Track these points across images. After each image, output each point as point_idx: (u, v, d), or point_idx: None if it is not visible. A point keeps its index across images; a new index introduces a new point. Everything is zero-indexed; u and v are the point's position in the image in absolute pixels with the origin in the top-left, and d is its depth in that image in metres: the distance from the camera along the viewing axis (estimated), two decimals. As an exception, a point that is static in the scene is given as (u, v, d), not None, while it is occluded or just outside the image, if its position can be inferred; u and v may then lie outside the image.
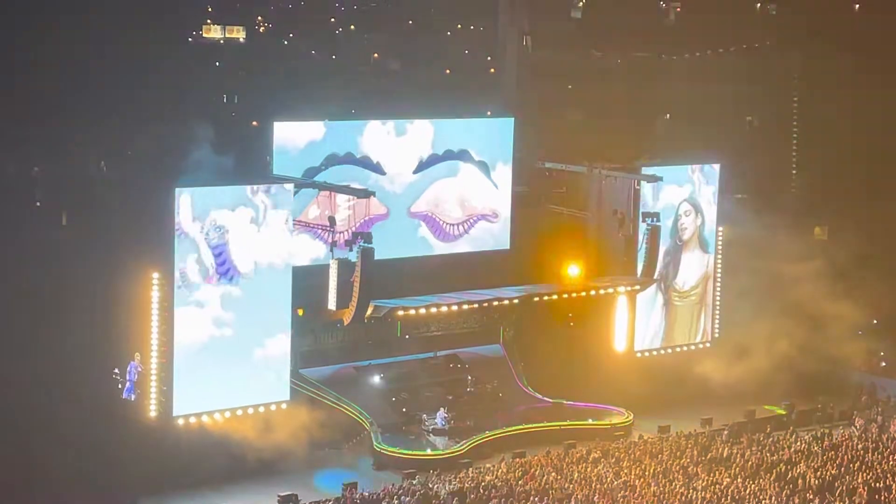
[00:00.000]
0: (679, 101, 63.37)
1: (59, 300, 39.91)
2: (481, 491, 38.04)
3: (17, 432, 38.77)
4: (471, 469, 41.09)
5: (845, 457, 41.04)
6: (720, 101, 61.38)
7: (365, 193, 45.08)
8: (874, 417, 46.94)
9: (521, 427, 45.66)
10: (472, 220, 49.14)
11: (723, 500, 37.45)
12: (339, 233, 43.79)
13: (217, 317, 40.95)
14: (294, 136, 44.87)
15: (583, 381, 48.58)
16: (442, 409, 45.50)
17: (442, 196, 48.25)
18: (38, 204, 41.91)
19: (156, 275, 39.84)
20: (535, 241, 50.37)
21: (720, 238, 52.03)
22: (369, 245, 42.45)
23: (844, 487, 38.26)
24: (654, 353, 50.86)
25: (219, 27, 71.74)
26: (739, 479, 39.00)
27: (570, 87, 64.90)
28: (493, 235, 49.85)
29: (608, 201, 50.20)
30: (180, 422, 40.42)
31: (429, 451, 43.54)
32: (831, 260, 50.58)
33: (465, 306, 45.53)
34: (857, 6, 61.98)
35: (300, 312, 43.00)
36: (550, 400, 48.11)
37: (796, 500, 37.70)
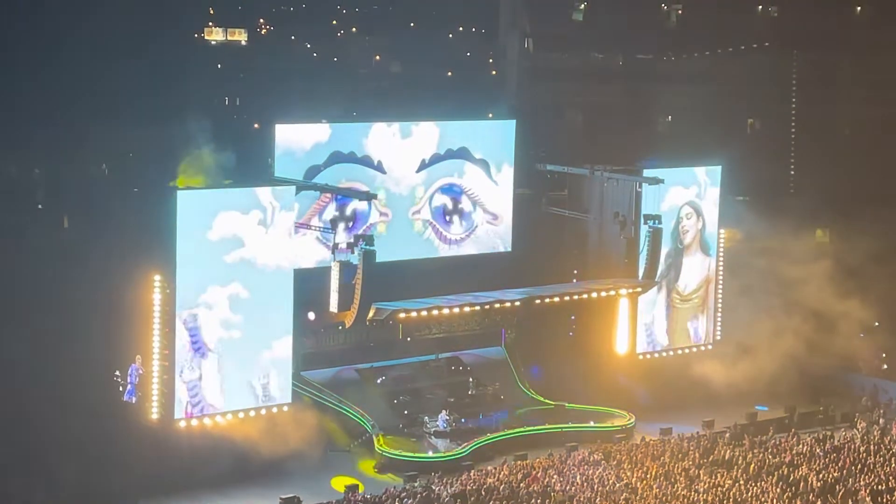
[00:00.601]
0: (680, 103, 63.37)
1: (60, 303, 39.89)
2: (483, 493, 38.01)
3: (18, 435, 38.75)
4: (472, 471, 41.07)
5: (847, 459, 41.00)
6: (721, 103, 61.37)
7: (367, 196, 45.10)
8: (876, 420, 46.91)
9: (523, 430, 45.62)
10: (471, 229, 49.26)
11: (725, 502, 37.42)
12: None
13: (220, 319, 40.94)
14: (299, 139, 44.90)
15: (584, 383, 48.57)
16: (444, 411, 45.49)
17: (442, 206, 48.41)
18: (39, 206, 41.91)
19: (157, 277, 39.84)
20: (537, 244, 50.39)
21: (721, 240, 52.01)
22: (371, 247, 42.46)
23: (846, 490, 38.21)
24: (656, 355, 50.84)
25: (220, 29, 71.73)
26: (741, 482, 38.95)
27: (571, 88, 64.89)
28: (495, 238, 49.84)
29: (610, 203, 50.20)
30: (182, 424, 40.40)
31: (430, 454, 43.52)
32: (833, 262, 50.56)
33: (467, 308, 45.50)
34: (859, 9, 61.96)
35: (311, 316, 42.95)
36: (552, 402, 48.09)
37: (798, 503, 37.65)
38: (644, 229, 48.87)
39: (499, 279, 47.73)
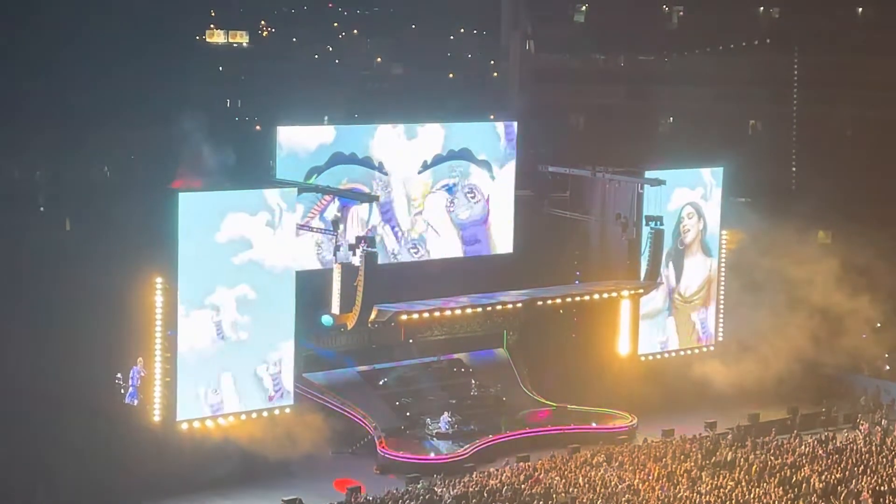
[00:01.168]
0: (682, 105, 63.37)
1: (62, 305, 39.89)
2: (485, 495, 38.00)
3: (20, 437, 38.75)
4: (475, 473, 41.05)
5: (850, 461, 40.97)
6: (723, 104, 61.37)
7: (370, 198, 45.10)
8: (878, 421, 46.88)
9: (524, 431, 45.59)
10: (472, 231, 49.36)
11: (727, 503, 37.42)
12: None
13: (228, 321, 41.03)
14: (301, 140, 44.93)
15: (586, 384, 48.55)
16: (446, 413, 45.47)
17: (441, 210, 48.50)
18: (41, 209, 41.95)
19: (159, 279, 39.83)
20: (539, 245, 50.35)
21: (724, 241, 51.99)
22: (372, 249, 42.47)
23: (848, 491, 38.19)
24: (658, 356, 50.82)
25: (222, 32, 71.79)
26: (744, 483, 38.93)
27: (572, 90, 64.92)
28: (497, 239, 49.84)
29: (611, 205, 50.18)
30: (184, 426, 40.41)
31: (433, 455, 43.52)
32: (835, 264, 50.52)
33: (469, 310, 45.48)
34: (860, 10, 61.93)
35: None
36: (554, 404, 48.09)
37: (800, 504, 37.71)
38: (646, 230, 48.85)
39: (501, 281, 47.71)
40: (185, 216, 39.80)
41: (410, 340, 47.47)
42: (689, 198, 50.96)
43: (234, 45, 74.03)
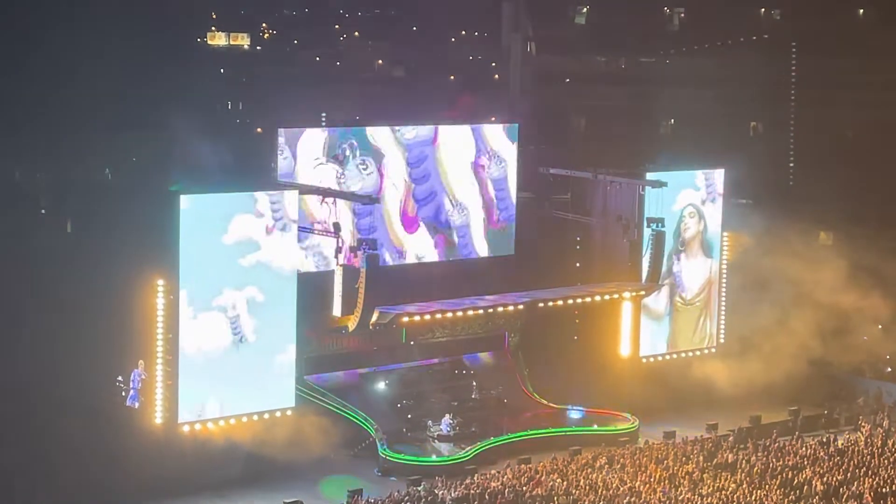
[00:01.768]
0: (683, 107, 63.37)
1: (63, 307, 39.89)
2: (487, 497, 38.00)
3: (21, 438, 38.76)
4: (476, 475, 41.04)
5: (851, 463, 40.94)
6: (724, 106, 61.38)
7: (370, 200, 45.10)
8: (880, 422, 46.86)
9: (526, 433, 45.59)
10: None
11: (728, 505, 37.45)
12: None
13: (230, 323, 41.05)
14: (302, 142, 44.97)
15: (588, 386, 48.54)
16: (447, 415, 45.46)
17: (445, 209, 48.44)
18: (42, 211, 41.93)
19: (160, 282, 39.84)
20: (540, 247, 50.34)
21: (725, 243, 51.97)
22: (374, 251, 42.46)
23: (850, 493, 38.17)
24: (660, 358, 50.81)
25: (223, 34, 71.79)
26: (745, 485, 38.91)
27: (574, 92, 64.92)
28: (498, 241, 49.84)
29: (613, 207, 50.18)
30: (185, 428, 40.40)
31: (434, 458, 43.50)
32: (836, 265, 50.51)
33: (470, 312, 45.50)
34: (861, 11, 61.97)
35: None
36: (556, 406, 48.07)
37: (802, 506, 37.69)
38: (647, 232, 48.86)
39: (502, 283, 47.71)
40: (191, 218, 39.83)
41: (412, 342, 47.46)
42: (691, 199, 50.94)
43: (236, 47, 74.08)
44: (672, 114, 64.88)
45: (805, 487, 38.69)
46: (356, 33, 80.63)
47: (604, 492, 38.15)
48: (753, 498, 37.89)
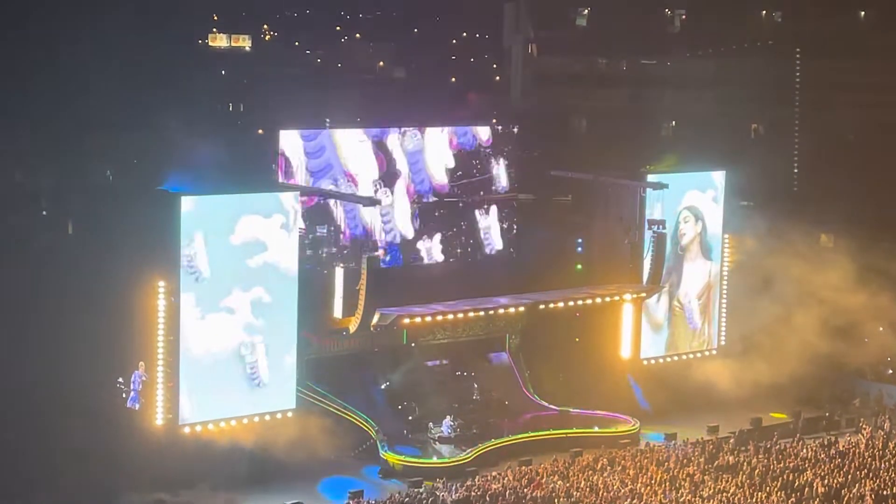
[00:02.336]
0: (685, 108, 63.29)
1: (64, 308, 39.90)
2: (487, 499, 38.00)
3: (21, 440, 38.77)
4: (477, 477, 41.04)
5: (852, 465, 40.94)
6: (725, 107, 61.30)
7: (371, 201, 45.13)
8: (881, 425, 46.86)
9: (527, 435, 45.60)
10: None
11: (729, 507, 37.45)
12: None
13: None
14: (303, 143, 45.00)
15: (589, 388, 48.54)
16: (448, 417, 45.47)
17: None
18: (44, 212, 41.96)
19: (161, 283, 39.85)
20: (541, 249, 50.34)
21: (726, 245, 51.96)
22: (375, 253, 42.44)
23: (851, 495, 38.17)
24: (660, 360, 50.81)
25: (225, 36, 71.77)
26: (746, 487, 38.91)
27: (575, 93, 64.82)
28: (499, 243, 49.88)
29: (614, 208, 50.18)
30: (186, 430, 40.41)
31: (435, 459, 43.51)
32: (837, 268, 50.49)
33: (471, 314, 45.52)
34: (863, 13, 61.94)
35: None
36: (557, 408, 48.08)
37: (803, 508, 37.67)
38: (648, 234, 48.87)
39: (503, 284, 47.72)
40: (194, 219, 39.86)
41: (413, 344, 47.47)
42: (688, 202, 50.93)
43: (237, 49, 74.07)
44: (673, 115, 64.79)
45: (806, 489, 38.67)
46: (357, 35, 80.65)
47: (605, 494, 38.14)
48: (754, 500, 37.87)
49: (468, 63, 74.92)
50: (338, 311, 43.44)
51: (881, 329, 52.10)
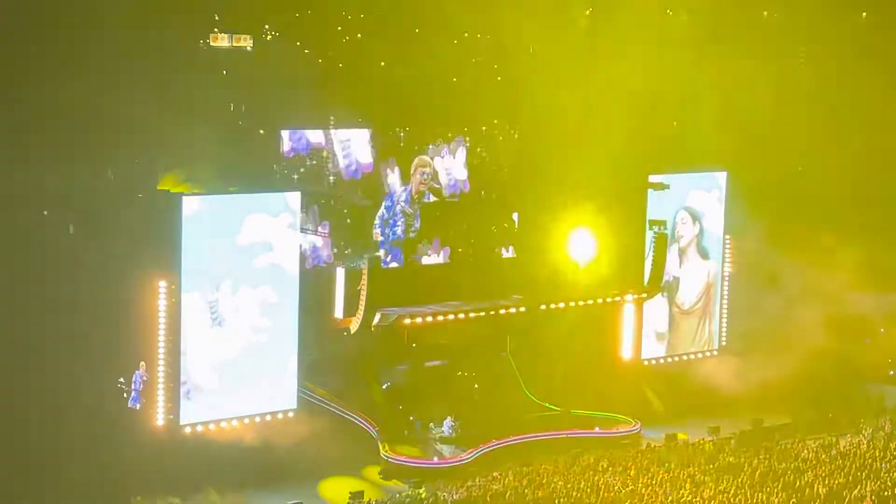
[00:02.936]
0: (686, 109, 63.26)
1: (65, 309, 39.92)
2: (488, 500, 38.03)
3: (22, 441, 38.79)
4: (478, 478, 41.06)
5: (853, 466, 40.96)
6: (727, 108, 61.29)
7: (371, 202, 45.16)
8: (882, 426, 46.87)
9: (528, 435, 45.62)
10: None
11: (730, 508, 37.47)
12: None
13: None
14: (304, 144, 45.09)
15: (590, 389, 48.56)
16: (449, 417, 45.49)
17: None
18: (45, 213, 41.92)
19: (163, 283, 39.89)
20: (543, 250, 50.32)
21: (727, 245, 51.96)
22: (376, 253, 42.45)
23: (852, 497, 38.18)
24: (661, 361, 50.84)
25: (226, 35, 71.63)
26: (747, 488, 38.93)
27: (576, 94, 64.72)
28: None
29: (615, 208, 50.13)
30: (187, 430, 40.44)
31: (435, 460, 43.52)
32: (838, 268, 50.52)
33: (472, 314, 45.54)
34: (864, 14, 61.94)
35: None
36: (558, 408, 48.10)
37: (804, 509, 37.70)
38: (649, 235, 48.87)
39: (504, 285, 47.71)
40: (196, 219, 39.87)
41: (414, 345, 47.49)
42: (689, 202, 50.94)
43: (238, 48, 73.86)
44: (675, 116, 64.71)
45: (807, 490, 38.70)
46: (359, 34, 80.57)
47: (606, 494, 38.17)
48: (755, 501, 37.90)
49: (469, 63, 74.81)
50: (339, 312, 43.49)
51: (882, 330, 52.13)
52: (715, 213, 51.59)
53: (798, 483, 39.32)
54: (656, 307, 50.19)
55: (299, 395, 42.85)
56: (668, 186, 49.26)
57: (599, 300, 47.88)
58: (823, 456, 42.40)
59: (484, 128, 48.81)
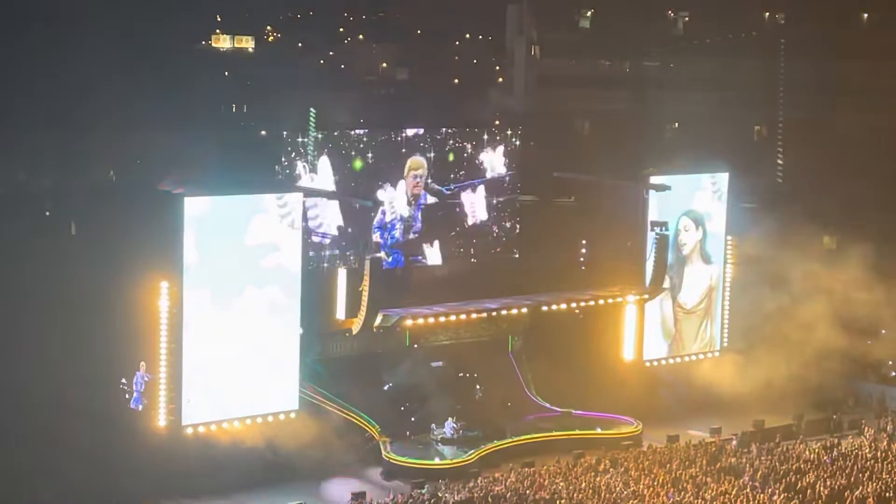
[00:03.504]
0: (687, 110, 63.35)
1: (67, 310, 39.93)
2: (490, 500, 38.01)
3: (24, 442, 38.78)
4: (479, 478, 41.05)
5: (855, 467, 40.93)
6: (728, 109, 61.37)
7: (374, 202, 45.16)
8: (884, 427, 46.85)
9: (529, 436, 45.60)
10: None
11: (732, 509, 37.44)
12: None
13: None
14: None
15: (591, 390, 48.53)
16: (450, 418, 45.47)
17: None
18: (47, 213, 41.99)
19: (164, 283, 39.88)
20: (544, 250, 50.34)
21: (729, 247, 51.94)
22: (378, 254, 42.42)
23: (854, 498, 38.15)
24: (663, 362, 50.80)
25: (228, 37, 71.73)
26: (748, 489, 38.90)
27: (578, 95, 64.89)
28: (502, 244, 49.88)
29: (616, 210, 50.16)
30: (189, 431, 40.43)
31: (437, 461, 43.51)
32: (840, 269, 50.50)
33: (474, 315, 45.51)
34: (866, 16, 61.98)
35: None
36: (559, 409, 48.08)
37: (806, 510, 37.67)
38: (651, 236, 48.85)
39: (506, 286, 47.71)
40: (199, 219, 39.91)
41: (415, 345, 47.46)
42: (691, 205, 50.88)
43: (240, 50, 74.06)
44: (676, 117, 64.84)
45: (808, 492, 38.67)
46: (361, 36, 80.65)
47: (607, 495, 38.14)
48: (757, 502, 37.87)
49: (471, 64, 74.93)
50: (340, 313, 43.47)
51: (883, 332, 52.09)
52: (715, 215, 51.48)
53: (800, 484, 39.30)
54: (660, 309, 50.12)
55: (301, 395, 42.82)
56: (669, 188, 49.22)
57: (601, 301, 47.83)
58: (825, 457, 42.37)
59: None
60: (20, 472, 38.00)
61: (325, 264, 44.96)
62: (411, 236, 47.23)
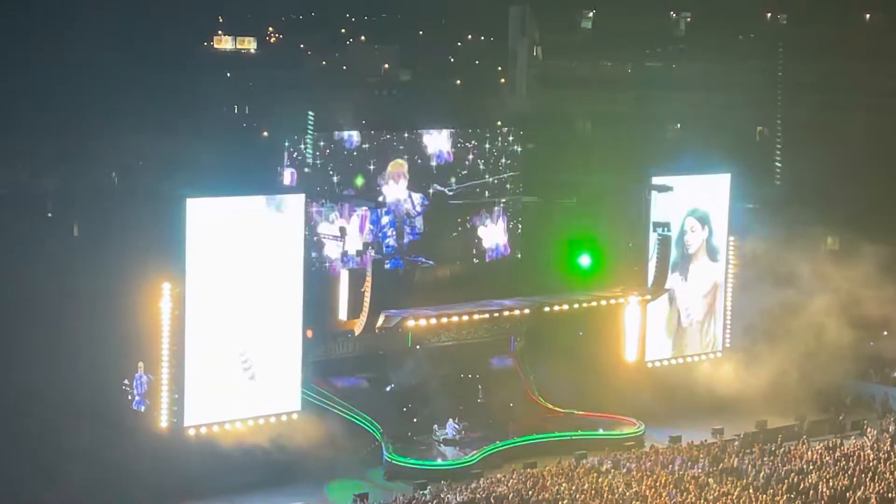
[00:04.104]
0: (689, 111, 63.39)
1: (70, 311, 39.96)
2: (492, 501, 38.01)
3: (26, 443, 38.80)
4: (482, 479, 41.05)
5: (857, 467, 40.91)
6: (731, 110, 61.39)
7: (376, 203, 45.17)
8: (886, 427, 46.83)
9: (532, 437, 45.60)
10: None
11: (734, 510, 37.42)
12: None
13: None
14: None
15: (594, 391, 48.52)
16: (452, 419, 45.48)
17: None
18: (49, 215, 42.02)
19: (167, 285, 39.90)
20: (546, 251, 50.34)
21: (731, 248, 51.94)
22: (379, 255, 42.41)
23: (856, 498, 38.14)
24: (665, 363, 50.80)
25: (230, 38, 71.82)
26: (751, 490, 38.89)
27: (580, 96, 64.94)
28: (504, 245, 49.84)
29: (618, 211, 50.16)
30: (191, 432, 40.44)
31: (440, 462, 43.51)
32: (842, 270, 50.50)
33: (476, 316, 45.51)
34: (868, 16, 62.01)
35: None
36: (561, 410, 48.07)
37: (808, 511, 37.65)
38: (653, 237, 48.85)
39: (508, 287, 47.71)
40: (203, 220, 39.91)
41: (418, 346, 47.47)
42: (694, 205, 50.89)
43: (242, 51, 74.15)
44: (678, 118, 64.86)
45: (811, 492, 38.65)
46: (362, 37, 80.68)
47: (609, 496, 38.13)
48: (759, 503, 37.86)
49: (473, 65, 74.98)
50: (342, 314, 43.48)
51: (885, 333, 52.08)
52: (718, 215, 51.50)
53: (802, 485, 39.28)
54: (665, 311, 50.12)
55: (303, 396, 42.84)
56: (671, 189, 49.21)
57: (603, 302, 47.83)
58: (828, 458, 42.36)
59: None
60: (23, 473, 38.00)
61: (327, 265, 44.98)
62: (413, 238, 47.24)
